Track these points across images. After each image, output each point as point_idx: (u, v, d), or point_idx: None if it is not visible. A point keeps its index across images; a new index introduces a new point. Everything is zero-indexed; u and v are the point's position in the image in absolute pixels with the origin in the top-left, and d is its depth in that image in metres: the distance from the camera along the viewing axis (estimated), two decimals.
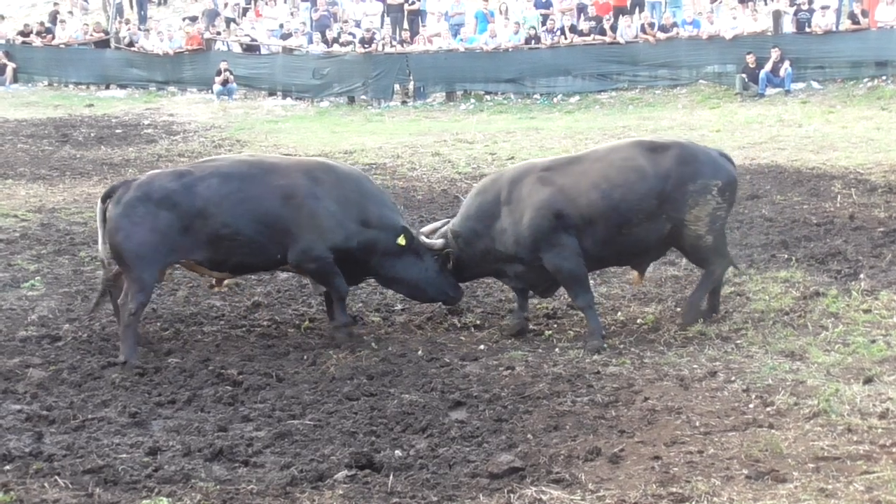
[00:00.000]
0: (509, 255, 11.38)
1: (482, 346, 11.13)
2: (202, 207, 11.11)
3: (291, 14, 39.62)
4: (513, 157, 22.50)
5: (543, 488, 7.67)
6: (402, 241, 11.51)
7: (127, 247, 11.00)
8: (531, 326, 11.67)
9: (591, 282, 13.03)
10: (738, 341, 10.89)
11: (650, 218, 11.22)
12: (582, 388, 9.72)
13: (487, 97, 33.79)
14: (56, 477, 8.06)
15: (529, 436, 8.70)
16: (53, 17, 41.29)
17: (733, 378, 9.80)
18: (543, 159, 12.37)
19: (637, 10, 35.84)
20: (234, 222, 11.15)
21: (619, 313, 12.06)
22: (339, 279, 11.50)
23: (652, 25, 34.17)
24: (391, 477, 8.01)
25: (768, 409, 8.99)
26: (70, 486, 7.93)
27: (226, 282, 12.38)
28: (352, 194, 11.54)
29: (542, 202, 11.17)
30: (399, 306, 12.67)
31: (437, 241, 11.77)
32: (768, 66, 31.43)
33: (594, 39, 34.23)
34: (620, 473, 7.87)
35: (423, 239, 11.78)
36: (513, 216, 11.26)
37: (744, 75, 31.75)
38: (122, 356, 10.81)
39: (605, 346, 10.98)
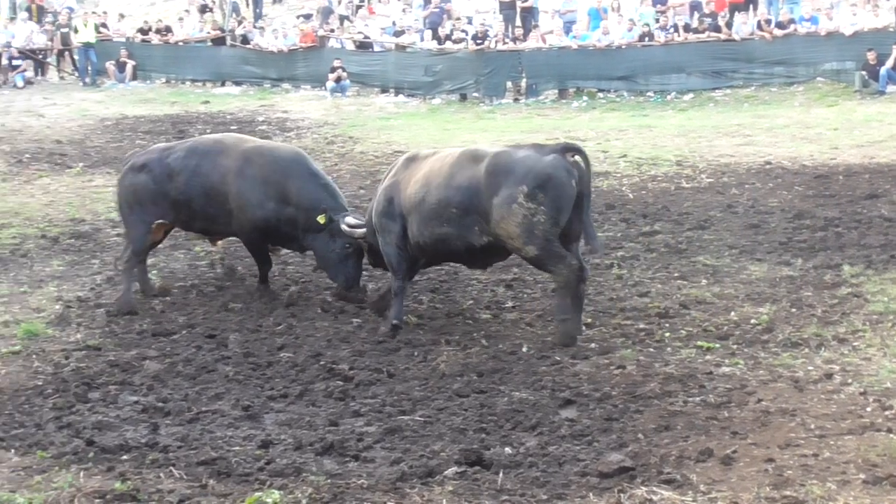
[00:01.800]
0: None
1: (593, 345, 11.04)
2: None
3: (403, 11, 39.72)
4: (624, 155, 22.36)
5: (654, 488, 7.62)
6: (321, 219, 12.59)
7: None
8: (642, 325, 11.57)
9: (704, 281, 12.97)
10: (856, 343, 10.69)
11: (458, 226, 11.26)
12: (694, 389, 9.61)
13: (600, 94, 33.54)
14: (171, 468, 8.20)
15: (640, 435, 8.64)
16: (180, 16, 41.86)
17: (850, 381, 9.63)
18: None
19: (753, 6, 35.37)
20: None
21: (733, 313, 11.89)
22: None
23: (768, 22, 33.67)
24: (500, 474, 8.00)
25: (886, 412, 8.83)
26: (184, 476, 8.06)
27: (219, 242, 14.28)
28: (276, 175, 12.85)
29: (384, 188, 12.11)
30: (510, 304, 12.65)
31: (356, 231, 12.49)
32: (889, 63, 30.79)
33: (709, 36, 33.83)
34: (732, 475, 7.79)
35: (344, 225, 12.56)
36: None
37: (864, 72, 31.14)
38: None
39: (401, 325, 11.66)
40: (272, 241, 13.28)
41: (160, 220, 13.29)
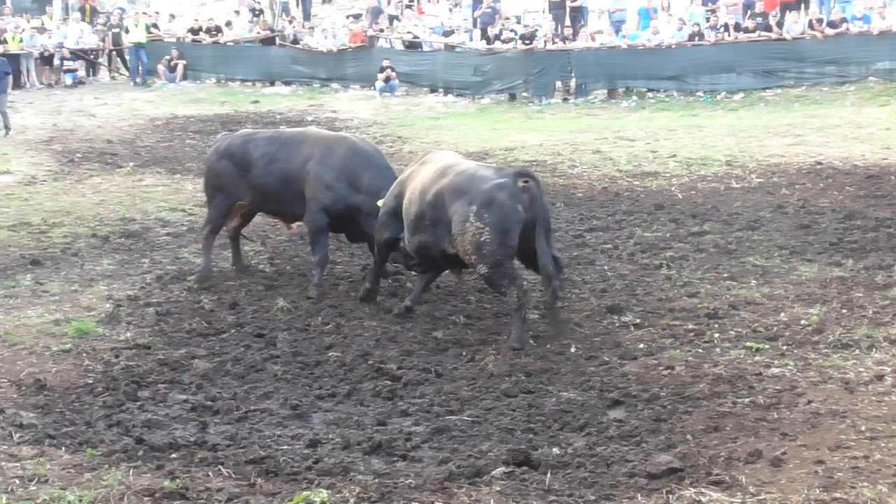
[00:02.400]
0: None
1: (641, 345, 11.00)
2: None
3: (450, 11, 39.70)
4: (674, 155, 22.29)
5: (703, 490, 7.56)
6: (380, 203, 12.86)
7: None
8: (691, 326, 11.52)
9: (754, 282, 12.90)
10: None
11: (432, 235, 11.75)
12: (743, 390, 9.54)
13: (649, 94, 33.40)
14: (219, 466, 8.22)
15: (689, 436, 8.59)
16: (229, 18, 42.05)
17: None
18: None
19: (804, 5, 35.13)
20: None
21: (783, 314, 11.80)
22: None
23: (820, 21, 33.42)
24: (548, 475, 7.98)
25: None
26: (233, 475, 8.07)
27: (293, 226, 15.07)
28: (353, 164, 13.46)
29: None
30: (557, 304, 12.60)
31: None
32: None
33: (759, 36, 33.60)
34: (782, 477, 7.71)
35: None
36: None
37: None
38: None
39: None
40: (334, 226, 13.66)
41: (240, 202, 14.08)
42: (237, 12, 42.89)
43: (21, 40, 36.87)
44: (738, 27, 34.04)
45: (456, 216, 11.22)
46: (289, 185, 13.64)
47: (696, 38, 33.83)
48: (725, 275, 13.42)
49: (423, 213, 11.69)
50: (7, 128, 27.82)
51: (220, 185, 14.15)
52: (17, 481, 7.94)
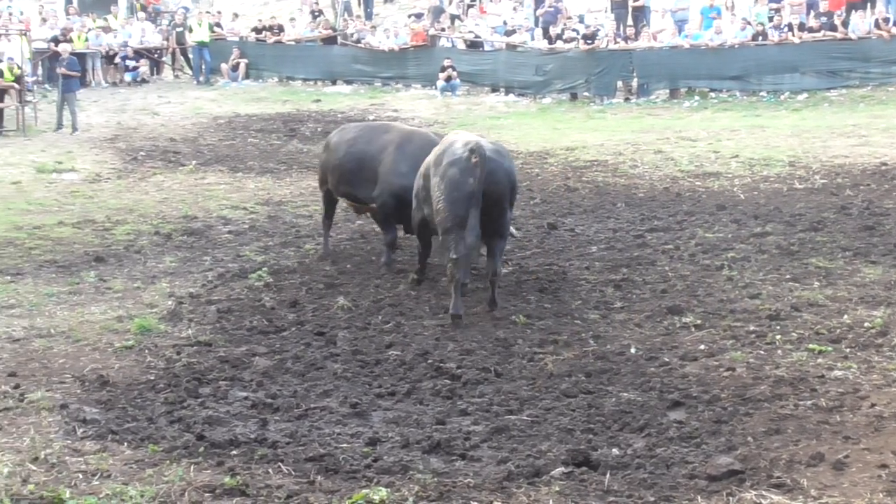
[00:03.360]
0: None
1: (702, 346, 10.93)
2: None
3: (514, 10, 39.63)
4: (736, 156, 22.17)
5: (763, 493, 7.51)
6: None
7: None
8: (753, 328, 11.44)
9: (816, 284, 12.79)
10: None
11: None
12: (805, 392, 9.45)
13: (712, 94, 33.17)
14: (279, 463, 8.24)
15: (749, 439, 8.52)
16: (292, 16, 42.22)
17: None
18: None
19: (870, 5, 34.73)
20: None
21: (846, 316, 11.68)
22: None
23: (886, 21, 33.02)
24: (607, 475, 7.93)
25: None
26: (292, 472, 8.09)
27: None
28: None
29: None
30: (618, 304, 12.57)
31: None
32: None
33: (824, 35, 33.27)
34: (844, 481, 7.64)
35: None
36: None
37: None
38: None
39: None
40: (402, 216, 14.05)
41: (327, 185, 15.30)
42: (300, 10, 43.04)
43: (87, 39, 37.18)
44: (802, 27, 33.71)
45: (433, 181, 12.38)
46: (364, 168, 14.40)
47: (760, 38, 33.56)
48: (788, 276, 13.33)
49: (420, 186, 12.92)
50: (75, 127, 28.13)
51: (321, 175, 15.64)
52: (80, 476, 8.02)
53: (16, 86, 28.74)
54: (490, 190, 11.97)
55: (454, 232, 11.95)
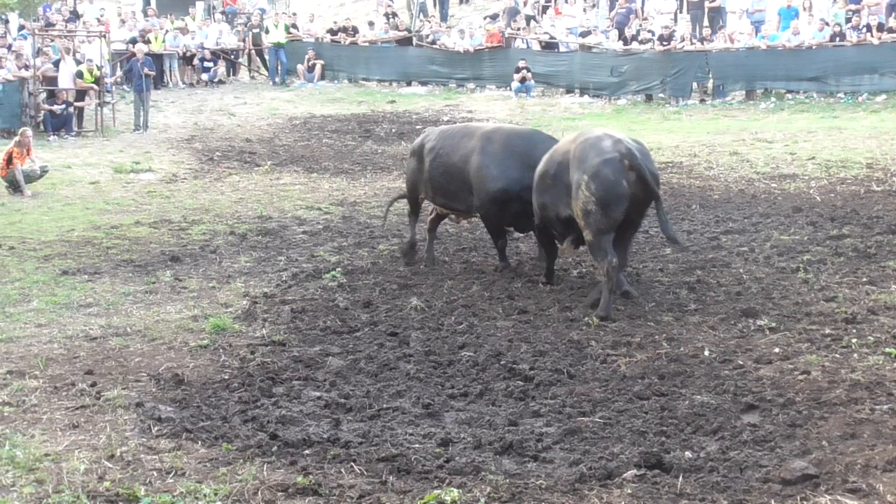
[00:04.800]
0: None
1: (777, 349, 10.82)
2: None
3: (584, 11, 39.48)
4: (813, 157, 21.98)
5: (839, 498, 7.43)
6: None
7: None
8: (828, 331, 11.31)
9: (894, 287, 12.62)
10: None
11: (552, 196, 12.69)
12: (881, 396, 9.32)
13: (788, 96, 32.85)
14: (352, 463, 8.28)
15: (824, 443, 8.43)
16: (370, 19, 42.37)
17: None
18: None
19: None
20: None
21: None
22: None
23: None
24: (680, 478, 7.88)
25: None
26: (365, 472, 8.12)
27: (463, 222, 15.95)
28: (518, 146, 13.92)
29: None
30: (692, 306, 12.49)
31: None
32: None
33: None
34: None
35: None
36: None
37: None
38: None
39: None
40: (510, 218, 14.05)
41: (422, 195, 15.03)
42: (376, 11, 43.18)
43: (164, 41, 37.55)
44: (881, 27, 33.30)
45: (574, 180, 12.10)
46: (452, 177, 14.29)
47: (838, 39, 33.20)
48: (864, 279, 13.18)
49: (547, 171, 12.68)
50: (146, 126, 28.44)
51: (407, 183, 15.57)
52: (155, 473, 8.11)
53: (95, 87, 29.09)
54: (641, 194, 12.12)
55: (608, 234, 12.08)
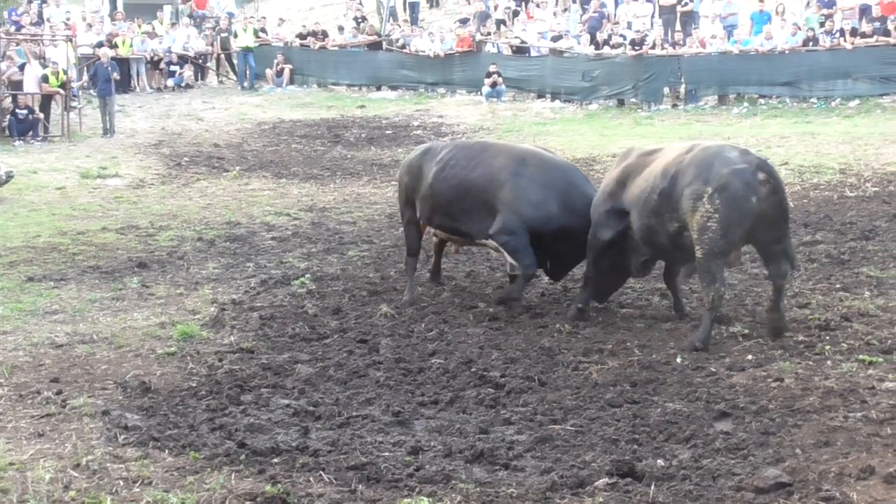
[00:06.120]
0: None
1: (749, 357, 10.78)
2: None
3: (555, 15, 39.50)
4: (786, 163, 21.99)
5: None
6: None
7: None
8: (802, 338, 11.27)
9: (867, 293, 12.61)
10: None
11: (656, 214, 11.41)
12: (855, 404, 9.28)
13: (761, 101, 32.93)
14: (321, 472, 8.22)
15: (798, 451, 8.38)
16: (339, 23, 42.31)
17: None
18: None
19: None
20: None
21: None
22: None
23: None
24: (652, 487, 7.84)
25: None
26: (334, 481, 8.07)
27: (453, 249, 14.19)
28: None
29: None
30: (665, 313, 12.45)
31: None
32: None
33: (877, 41, 32.93)
34: (895, 494, 7.49)
35: None
36: None
37: None
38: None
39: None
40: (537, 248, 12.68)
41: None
42: (345, 16, 43.14)
43: (132, 45, 37.40)
44: (854, 32, 33.41)
45: (688, 191, 10.97)
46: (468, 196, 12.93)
47: (811, 44, 33.29)
48: (838, 285, 13.16)
49: (656, 187, 11.33)
50: (112, 131, 28.33)
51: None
52: (122, 482, 8.03)
53: (61, 91, 28.92)
54: (771, 213, 11.00)
55: (721, 257, 11.02)
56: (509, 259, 12.69)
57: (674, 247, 11.51)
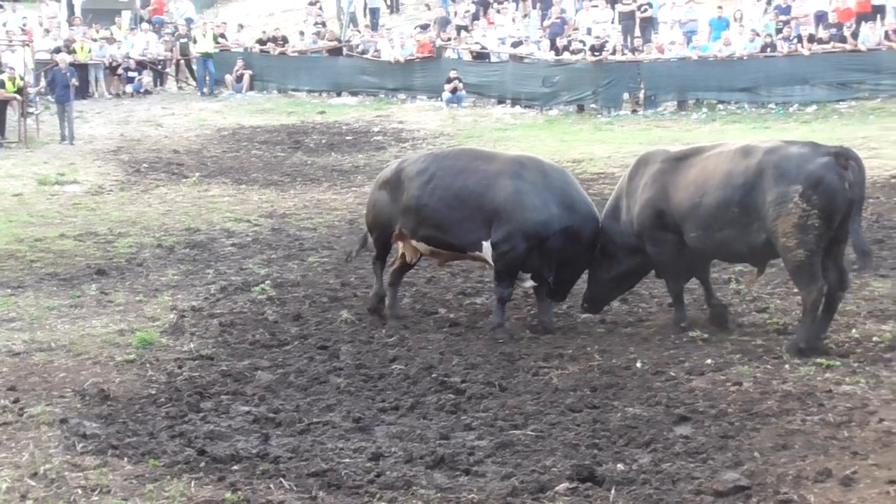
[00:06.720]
0: None
1: (709, 361, 10.83)
2: None
3: (514, 20, 39.52)
4: None
5: None
6: None
7: None
8: (760, 342, 11.32)
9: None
10: None
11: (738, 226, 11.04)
12: (812, 407, 9.37)
13: (720, 106, 33.03)
14: (281, 479, 8.22)
15: (756, 454, 8.46)
16: (300, 29, 42.22)
17: None
18: None
19: (880, 16, 34.62)
20: None
21: (854, 330, 11.60)
22: None
23: None
24: (613, 491, 7.88)
25: None
26: (294, 488, 8.08)
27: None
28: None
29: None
30: (625, 318, 12.49)
31: None
32: None
33: (834, 47, 33.16)
34: (852, 497, 7.59)
35: None
36: None
37: None
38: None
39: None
40: (530, 259, 12.16)
41: (395, 232, 12.88)
42: (305, 21, 43.03)
43: (90, 50, 37.20)
44: (811, 38, 33.62)
45: (772, 196, 10.72)
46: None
47: (769, 50, 33.49)
48: (796, 290, 13.19)
49: (730, 199, 10.98)
50: (71, 137, 28.17)
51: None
52: (80, 491, 8.00)
53: (18, 97, 28.71)
54: (856, 197, 10.84)
55: (819, 253, 10.75)
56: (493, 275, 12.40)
57: (750, 254, 11.40)
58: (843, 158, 10.74)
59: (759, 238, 10.94)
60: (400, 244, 13.10)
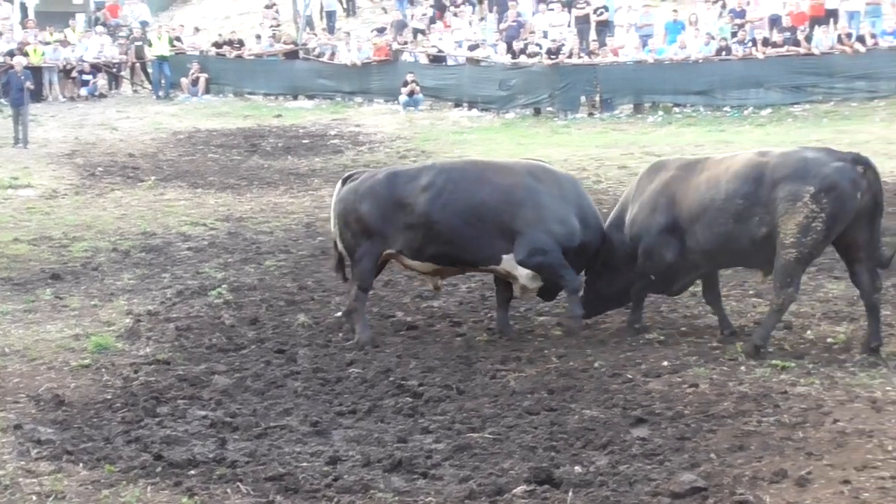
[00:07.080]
0: None
1: (665, 363, 10.86)
2: None
3: (470, 24, 39.56)
4: None
5: None
6: None
7: None
8: (716, 344, 11.38)
9: None
10: None
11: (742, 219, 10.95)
12: (768, 408, 9.41)
13: (676, 109, 33.21)
14: (238, 483, 8.20)
15: (713, 455, 8.48)
16: (256, 32, 42.11)
17: None
18: None
19: (833, 20, 34.91)
20: None
21: (809, 332, 11.69)
22: None
23: (849, 36, 33.23)
24: (570, 493, 7.89)
25: None
26: (251, 492, 8.05)
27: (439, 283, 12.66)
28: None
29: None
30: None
31: None
32: None
33: (788, 51, 33.43)
34: (807, 497, 7.62)
35: None
36: None
37: None
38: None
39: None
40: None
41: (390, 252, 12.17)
42: (261, 24, 42.96)
43: (44, 53, 36.98)
44: (766, 42, 33.85)
45: (783, 193, 10.67)
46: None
47: (724, 53, 33.69)
48: (751, 292, 13.31)
49: (737, 192, 10.93)
50: (26, 141, 27.99)
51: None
52: (35, 498, 7.94)
53: None
54: (869, 207, 10.78)
55: (810, 261, 11.04)
56: (523, 281, 11.86)
57: (753, 252, 11.21)
58: (859, 165, 10.70)
59: (760, 231, 10.88)
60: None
